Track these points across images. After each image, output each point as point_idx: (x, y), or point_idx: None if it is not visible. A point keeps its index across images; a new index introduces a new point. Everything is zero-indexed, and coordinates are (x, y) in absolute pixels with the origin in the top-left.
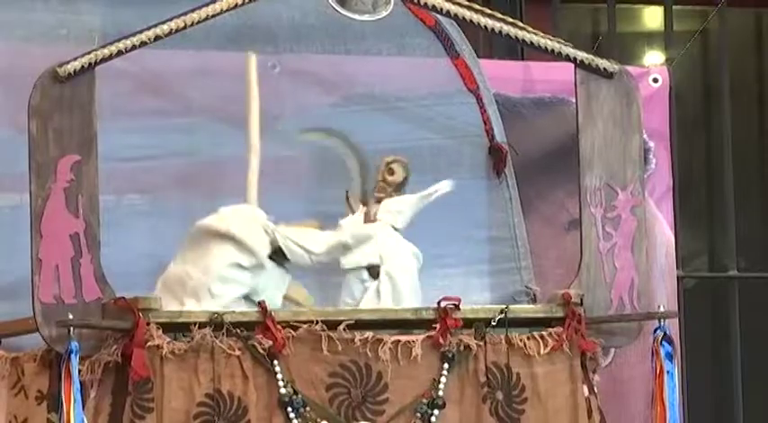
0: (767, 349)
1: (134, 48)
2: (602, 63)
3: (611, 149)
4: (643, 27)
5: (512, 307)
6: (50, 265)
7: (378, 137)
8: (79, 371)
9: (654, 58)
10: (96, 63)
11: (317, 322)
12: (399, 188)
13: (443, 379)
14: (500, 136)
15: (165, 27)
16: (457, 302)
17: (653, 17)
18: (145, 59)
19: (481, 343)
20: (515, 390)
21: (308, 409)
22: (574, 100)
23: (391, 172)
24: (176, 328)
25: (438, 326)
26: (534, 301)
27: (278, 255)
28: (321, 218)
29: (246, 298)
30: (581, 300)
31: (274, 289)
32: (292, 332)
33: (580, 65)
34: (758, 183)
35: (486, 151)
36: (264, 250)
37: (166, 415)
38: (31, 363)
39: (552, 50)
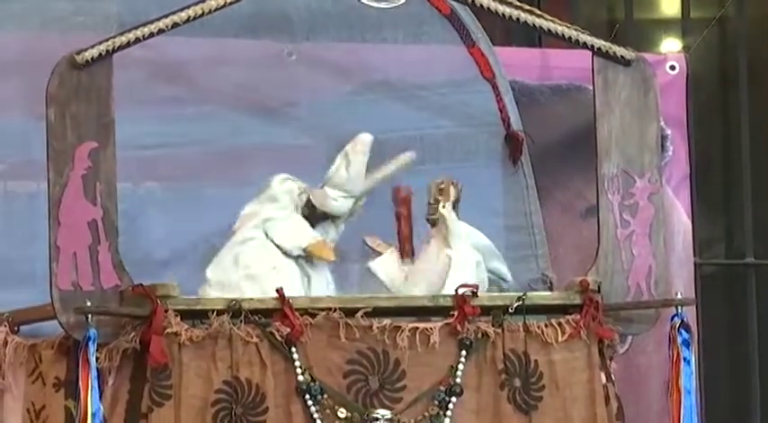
0: None
1: (152, 35)
2: (620, 51)
3: (628, 137)
4: (660, 14)
5: (529, 294)
6: (68, 252)
7: (394, 125)
8: (97, 358)
9: (671, 46)
10: (114, 50)
11: (335, 309)
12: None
13: (461, 366)
14: (516, 124)
15: (183, 14)
16: (475, 290)
17: (670, 4)
18: (162, 47)
19: (499, 330)
20: (533, 377)
21: (325, 396)
22: (590, 87)
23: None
24: (194, 315)
25: (456, 313)
26: (551, 288)
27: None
28: None
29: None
30: (598, 287)
31: (290, 231)
32: (310, 319)
33: (598, 52)
34: None
35: (503, 139)
36: (284, 193)
37: (184, 402)
38: (48, 350)
39: (570, 38)
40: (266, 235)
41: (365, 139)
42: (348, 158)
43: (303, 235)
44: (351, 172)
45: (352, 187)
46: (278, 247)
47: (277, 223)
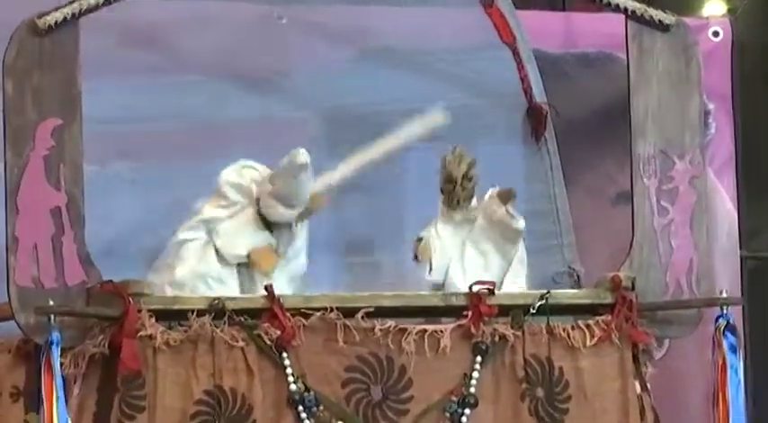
0: None
1: None
2: (657, 14)
3: (666, 112)
4: None
5: (553, 292)
6: (28, 244)
7: (399, 96)
8: (61, 364)
9: (714, 9)
10: (80, 13)
11: (332, 309)
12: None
13: (476, 374)
14: (539, 95)
15: None
16: (491, 287)
17: None
18: (135, 9)
19: (519, 333)
20: (558, 386)
21: (321, 407)
22: (623, 56)
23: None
24: (171, 315)
25: (470, 313)
26: (578, 283)
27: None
28: (336, 185)
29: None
30: (632, 284)
31: (230, 235)
32: (303, 320)
33: (632, 16)
34: None
35: (524, 113)
36: (230, 187)
37: (160, 414)
38: (5, 354)
39: (601, 0)
40: (210, 236)
41: (297, 159)
42: (280, 173)
43: (243, 242)
44: (283, 187)
45: (289, 201)
46: (218, 252)
47: (218, 226)
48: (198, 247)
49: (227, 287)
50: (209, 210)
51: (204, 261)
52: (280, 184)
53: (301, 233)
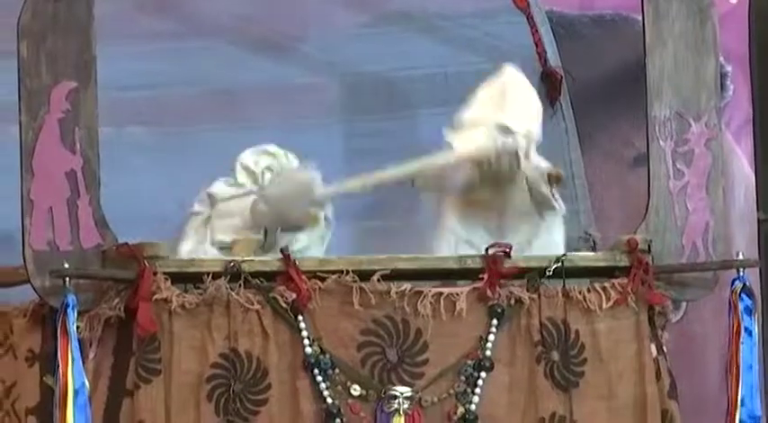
0: None
1: None
2: None
3: (682, 74)
4: None
5: (569, 255)
6: (43, 206)
7: (414, 61)
8: (77, 327)
9: None
10: None
11: (348, 272)
12: None
13: (491, 337)
14: (554, 59)
15: None
16: (507, 250)
17: None
18: None
19: (535, 296)
20: (573, 349)
21: (336, 370)
22: (639, 17)
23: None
24: (187, 278)
25: (485, 276)
26: (594, 248)
27: None
28: (352, 154)
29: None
30: (648, 246)
31: (223, 219)
32: (319, 283)
33: None
34: None
35: (539, 77)
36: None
37: (175, 377)
38: (20, 318)
39: None
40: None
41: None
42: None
43: (232, 227)
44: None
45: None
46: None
47: (219, 204)
48: (199, 224)
49: None
50: (217, 184)
51: (201, 241)
52: (272, 201)
53: (301, 239)
